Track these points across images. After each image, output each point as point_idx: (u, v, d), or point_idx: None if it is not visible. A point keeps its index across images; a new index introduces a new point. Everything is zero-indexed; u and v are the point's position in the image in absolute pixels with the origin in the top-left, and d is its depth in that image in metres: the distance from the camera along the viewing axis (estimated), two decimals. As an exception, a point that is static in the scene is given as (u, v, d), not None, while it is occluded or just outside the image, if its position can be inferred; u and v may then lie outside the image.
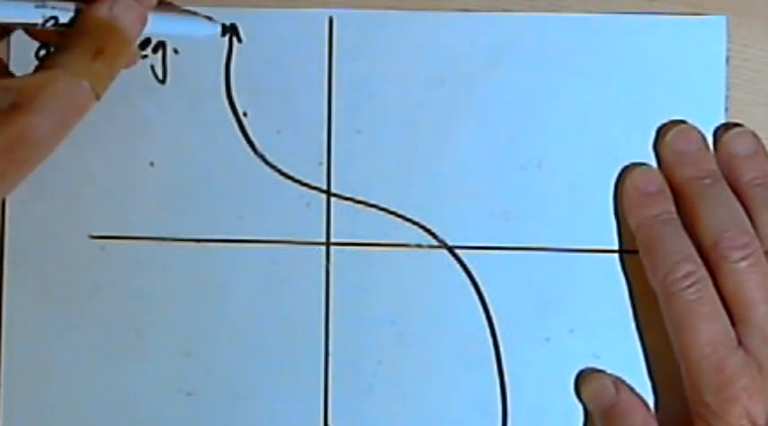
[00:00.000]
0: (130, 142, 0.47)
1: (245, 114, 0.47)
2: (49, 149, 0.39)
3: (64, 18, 0.41)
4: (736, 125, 0.45)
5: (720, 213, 0.43)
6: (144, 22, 0.42)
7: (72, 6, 0.41)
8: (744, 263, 0.42)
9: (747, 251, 0.42)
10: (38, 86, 0.39)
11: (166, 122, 0.47)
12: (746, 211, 0.43)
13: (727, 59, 0.45)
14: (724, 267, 0.42)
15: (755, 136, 0.45)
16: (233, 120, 0.47)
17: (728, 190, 0.44)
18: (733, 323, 0.42)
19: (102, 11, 0.41)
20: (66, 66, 0.39)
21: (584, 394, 0.45)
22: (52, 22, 0.41)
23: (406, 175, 0.46)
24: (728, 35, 0.45)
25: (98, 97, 0.40)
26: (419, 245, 0.46)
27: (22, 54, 0.46)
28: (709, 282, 0.42)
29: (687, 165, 0.44)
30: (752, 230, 0.42)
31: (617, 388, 0.44)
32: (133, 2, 0.41)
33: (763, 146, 0.45)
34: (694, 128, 0.45)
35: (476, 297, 0.46)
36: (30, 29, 0.42)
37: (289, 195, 0.46)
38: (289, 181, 0.46)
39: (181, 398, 0.46)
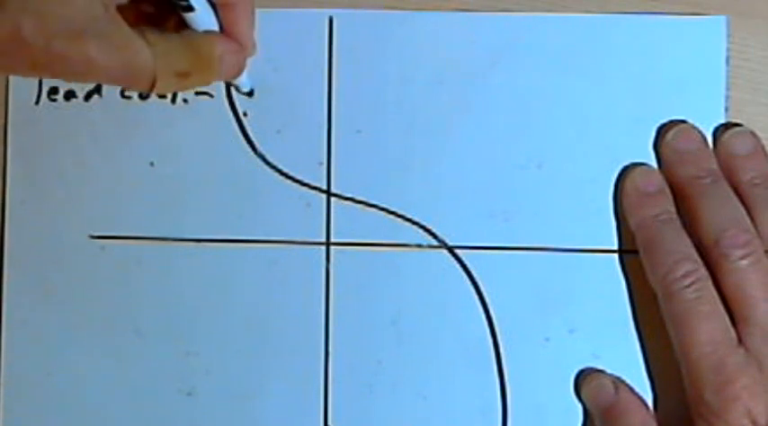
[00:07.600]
0: (130, 142, 0.47)
1: (245, 114, 0.46)
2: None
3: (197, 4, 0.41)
4: (736, 125, 0.45)
5: (721, 212, 0.43)
6: (240, 71, 0.44)
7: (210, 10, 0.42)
8: (744, 262, 0.42)
9: (748, 249, 0.42)
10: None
11: (166, 122, 0.47)
12: (746, 211, 0.43)
13: (727, 59, 0.45)
14: (724, 266, 0.42)
15: (755, 135, 0.45)
16: (233, 120, 0.47)
17: (729, 190, 0.43)
18: (733, 323, 0.42)
19: (215, 47, 0.42)
20: (158, 56, 0.40)
21: (583, 393, 0.45)
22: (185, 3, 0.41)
23: (406, 175, 0.46)
24: (728, 35, 0.45)
25: (150, 90, 0.40)
26: (419, 245, 0.46)
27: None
28: (709, 281, 0.42)
29: (687, 165, 0.44)
30: (752, 229, 0.42)
31: (616, 388, 0.44)
32: (240, 49, 0.43)
33: (762, 146, 0.45)
34: (694, 127, 0.45)
35: (476, 297, 0.46)
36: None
37: (289, 195, 0.46)
38: (289, 181, 0.46)
39: (181, 398, 0.46)
